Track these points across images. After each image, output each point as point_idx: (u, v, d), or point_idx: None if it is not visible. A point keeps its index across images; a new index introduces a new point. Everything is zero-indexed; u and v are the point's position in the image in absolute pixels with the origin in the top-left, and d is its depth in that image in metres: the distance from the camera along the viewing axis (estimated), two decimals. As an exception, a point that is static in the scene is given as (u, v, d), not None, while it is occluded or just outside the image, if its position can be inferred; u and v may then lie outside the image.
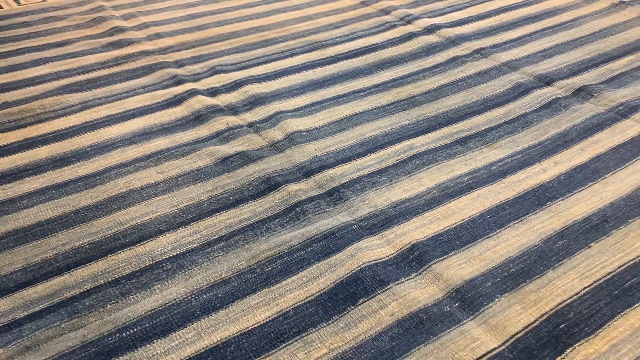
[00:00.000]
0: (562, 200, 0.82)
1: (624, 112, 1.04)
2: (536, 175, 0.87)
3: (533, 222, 0.78)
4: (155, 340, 0.61)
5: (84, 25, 1.43)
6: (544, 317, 0.64)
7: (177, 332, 0.62)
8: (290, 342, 0.61)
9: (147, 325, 0.63)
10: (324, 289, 0.68)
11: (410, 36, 1.36)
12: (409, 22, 1.44)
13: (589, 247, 0.74)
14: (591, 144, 0.95)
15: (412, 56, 1.27)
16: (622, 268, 0.71)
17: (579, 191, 0.84)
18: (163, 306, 0.65)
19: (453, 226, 0.77)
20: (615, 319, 0.64)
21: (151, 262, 0.72)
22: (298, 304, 0.66)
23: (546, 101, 1.08)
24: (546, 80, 1.15)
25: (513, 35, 1.37)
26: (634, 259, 0.72)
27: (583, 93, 1.10)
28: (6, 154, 0.92)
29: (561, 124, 1.01)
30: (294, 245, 0.74)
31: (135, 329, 0.63)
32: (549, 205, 0.81)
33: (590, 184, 0.86)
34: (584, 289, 0.68)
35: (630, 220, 0.78)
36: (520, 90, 1.12)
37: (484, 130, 0.99)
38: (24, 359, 0.59)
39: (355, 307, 0.65)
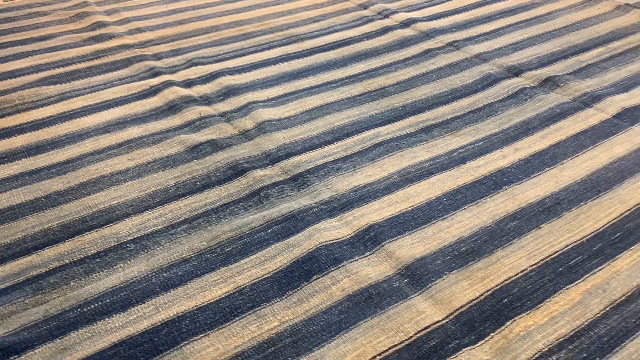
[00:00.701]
0: (519, 184, 0.85)
1: (587, 101, 1.06)
2: (495, 161, 0.90)
3: (488, 204, 0.81)
4: (114, 315, 0.64)
5: (67, 20, 1.46)
6: (489, 293, 0.67)
7: (136, 307, 0.65)
8: (243, 315, 0.64)
9: (108, 301, 0.66)
10: (280, 267, 0.71)
11: (386, 30, 1.39)
12: (386, 16, 1.47)
13: (540, 227, 0.77)
14: (553, 132, 0.98)
15: (386, 49, 1.30)
16: (569, 247, 0.73)
17: (535, 176, 0.87)
18: (124, 283, 0.68)
19: (410, 209, 0.80)
20: (557, 294, 0.67)
21: (116, 243, 0.74)
22: (254, 281, 0.69)
23: (513, 91, 1.10)
24: (515, 71, 1.18)
25: (487, 28, 1.40)
26: (581, 239, 0.75)
27: (550, 83, 1.12)
28: (-17, 142, 0.95)
29: (525, 113, 1.03)
30: (255, 227, 0.77)
31: (95, 305, 0.65)
32: (505, 189, 0.84)
33: (547, 169, 0.88)
34: (530, 266, 0.70)
35: (582, 203, 0.81)
36: (488, 81, 1.14)
37: (449, 119, 1.02)
38: (-13, 332, 0.62)
39: (308, 283, 0.68)
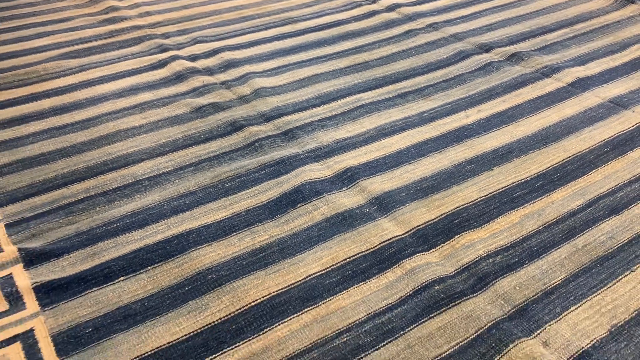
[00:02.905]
0: (478, 137, 0.99)
1: (547, 72, 1.20)
2: (460, 120, 1.04)
3: (449, 153, 0.95)
4: (133, 231, 0.78)
5: (82, 5, 1.60)
6: (443, 216, 0.81)
7: (151, 226, 0.79)
8: (240, 231, 0.78)
9: (128, 221, 0.80)
10: (271, 198, 0.84)
11: (372, 13, 1.53)
12: (373, 1, 1.60)
13: (492, 170, 0.90)
14: (513, 97, 1.12)
15: (372, 30, 1.43)
16: (515, 184, 0.87)
17: (493, 131, 1.01)
18: (141, 209, 0.82)
19: (382, 156, 0.94)
20: (499, 217, 0.80)
21: (133, 180, 0.88)
22: (249, 208, 0.83)
23: (482, 64, 1.24)
24: (486, 48, 1.32)
25: (465, 12, 1.53)
26: (525, 178, 0.88)
27: (515, 57, 1.26)
28: (14, 104, 1.09)
29: (491, 82, 1.17)
30: (250, 169, 0.91)
31: (118, 224, 0.79)
32: (466, 141, 0.98)
33: (504, 126, 1.02)
34: (479, 197, 0.84)
35: (530, 151, 0.95)
36: (461, 56, 1.28)
37: (423, 87, 1.16)
38: (30, 243, 0.76)
39: (294, 209, 0.82)
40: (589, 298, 0.68)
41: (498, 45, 1.32)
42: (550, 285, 0.70)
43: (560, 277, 0.71)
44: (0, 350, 0.61)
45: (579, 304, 0.67)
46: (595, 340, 0.63)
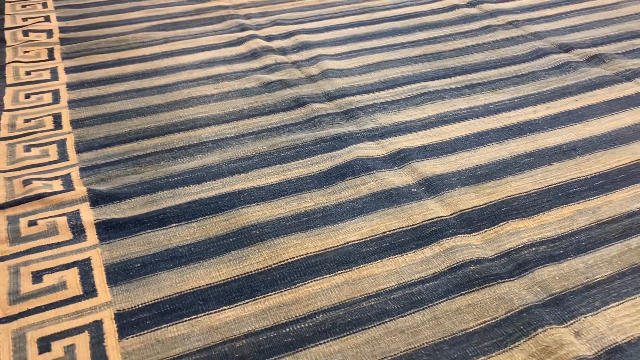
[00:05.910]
0: (542, 133, 0.96)
1: (628, 76, 1.14)
2: (526, 115, 1.02)
3: (510, 144, 0.93)
4: (191, 185, 0.83)
5: (175, -15, 1.70)
6: (491, 203, 0.80)
7: (208, 182, 0.84)
8: (288, 196, 0.81)
9: (187, 176, 0.85)
10: (322, 170, 0.87)
11: (453, 7, 1.51)
12: (455, -4, 1.59)
13: (551, 164, 0.88)
14: (587, 97, 1.07)
15: (449, 23, 1.42)
16: (573, 180, 0.84)
17: (560, 128, 0.98)
18: (201, 167, 0.87)
19: (440, 141, 0.94)
20: (551, 210, 0.78)
21: (198, 142, 0.94)
22: (300, 176, 0.86)
23: (558, 63, 1.20)
24: (566, 48, 1.27)
25: (550, 12, 1.48)
26: (585, 176, 0.85)
27: (596, 59, 1.21)
28: (102, 67, 1.19)
29: (565, 81, 1.13)
30: (307, 141, 0.94)
31: (178, 177, 0.85)
32: (529, 135, 0.96)
33: (572, 124, 0.99)
34: (533, 189, 0.82)
35: (596, 151, 0.91)
36: (538, 54, 1.25)
37: (493, 80, 1.14)
38: (98, 186, 0.83)
39: (342, 182, 0.84)
40: (633, 297, 0.65)
41: (580, 47, 1.27)
42: (593, 279, 0.67)
43: (605, 274, 0.68)
44: (60, 272, 0.68)
45: (621, 302, 0.64)
46: (632, 337, 0.60)
